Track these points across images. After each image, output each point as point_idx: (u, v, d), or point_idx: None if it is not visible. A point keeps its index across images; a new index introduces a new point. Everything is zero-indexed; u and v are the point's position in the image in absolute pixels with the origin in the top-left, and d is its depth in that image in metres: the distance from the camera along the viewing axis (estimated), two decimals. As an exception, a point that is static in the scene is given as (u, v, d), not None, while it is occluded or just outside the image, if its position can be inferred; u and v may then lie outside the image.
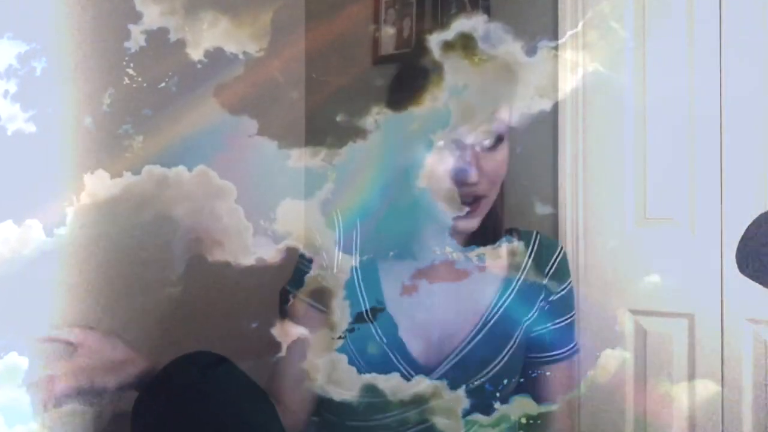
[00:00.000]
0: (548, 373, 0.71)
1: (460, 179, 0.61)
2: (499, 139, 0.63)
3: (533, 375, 0.72)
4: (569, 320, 0.73)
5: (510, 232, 0.73)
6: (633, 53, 1.27)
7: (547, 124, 1.37)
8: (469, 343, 0.68)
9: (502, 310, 0.69)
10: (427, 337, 0.68)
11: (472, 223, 0.64)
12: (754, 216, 0.62)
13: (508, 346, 0.69)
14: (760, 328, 1.17)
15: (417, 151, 0.62)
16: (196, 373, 0.53)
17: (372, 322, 0.67)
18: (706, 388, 1.12)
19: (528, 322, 0.70)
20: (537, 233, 0.74)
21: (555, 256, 0.73)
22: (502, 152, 0.64)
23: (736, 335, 1.18)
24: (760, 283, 0.59)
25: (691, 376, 1.22)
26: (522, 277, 0.71)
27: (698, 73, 1.21)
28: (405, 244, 0.68)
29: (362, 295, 0.68)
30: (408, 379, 0.64)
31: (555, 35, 1.32)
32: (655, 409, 1.22)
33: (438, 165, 0.62)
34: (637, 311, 1.28)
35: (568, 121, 1.35)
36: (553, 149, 1.37)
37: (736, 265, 0.60)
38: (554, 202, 1.36)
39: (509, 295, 0.70)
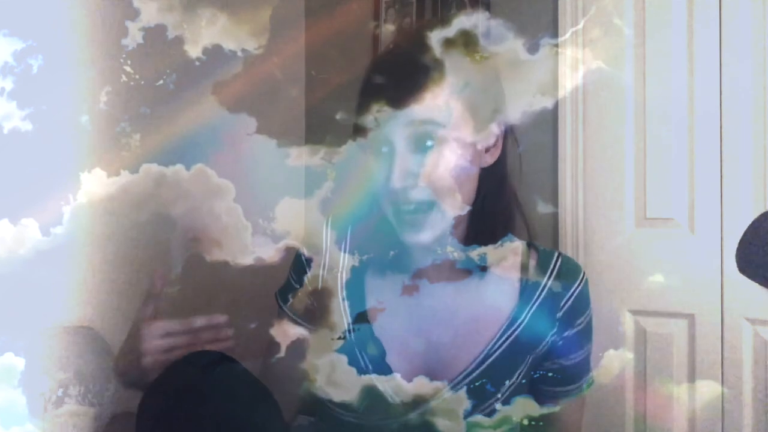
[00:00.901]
0: (558, 405, 0.65)
1: (389, 186, 0.56)
2: (439, 141, 0.56)
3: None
4: (585, 354, 0.66)
5: (529, 246, 0.66)
6: (633, 53, 1.27)
7: (547, 123, 1.36)
8: (466, 377, 0.62)
9: (507, 343, 0.63)
10: (420, 364, 0.63)
11: (421, 237, 0.58)
12: (754, 216, 0.61)
13: (510, 382, 0.63)
14: (760, 328, 1.16)
15: (369, 157, 0.58)
16: (200, 371, 0.52)
17: (350, 340, 0.61)
18: (709, 389, 1.11)
19: (534, 356, 0.65)
20: (558, 255, 0.66)
21: (575, 288, 0.65)
22: (442, 155, 0.56)
23: (736, 335, 1.18)
24: (760, 283, 0.59)
25: (691, 376, 1.22)
26: (533, 308, 0.63)
27: (698, 73, 1.21)
28: (391, 257, 0.63)
29: (345, 313, 0.63)
30: (397, 407, 0.60)
31: (555, 33, 1.31)
32: (656, 409, 1.22)
33: (378, 171, 0.58)
34: (637, 311, 1.27)
35: (568, 121, 1.35)
36: (553, 149, 1.37)
37: (736, 265, 0.60)
38: (554, 202, 1.35)
39: (516, 327, 0.63)
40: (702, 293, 1.20)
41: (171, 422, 0.51)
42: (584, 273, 0.67)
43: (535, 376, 0.67)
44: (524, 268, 0.65)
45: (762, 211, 0.64)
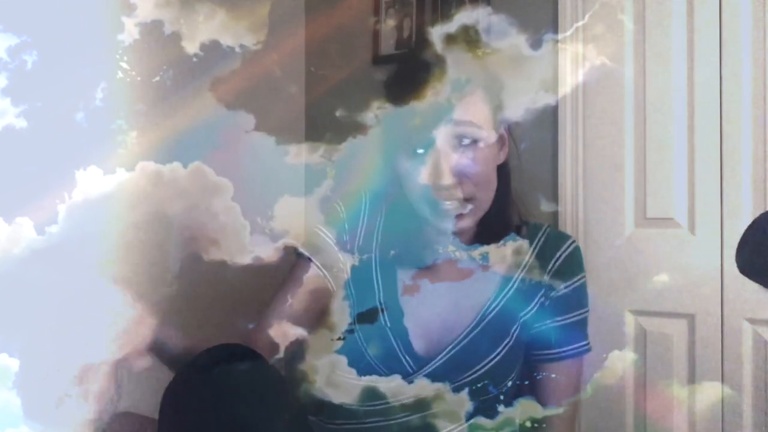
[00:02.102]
0: (552, 373, 0.68)
1: (436, 183, 0.61)
2: (473, 140, 0.62)
3: (538, 375, 0.69)
4: (576, 317, 0.69)
5: (519, 227, 0.70)
6: (633, 51, 1.27)
7: (547, 122, 1.36)
8: (465, 337, 0.67)
9: (500, 305, 0.68)
10: (429, 330, 0.68)
11: (463, 224, 0.64)
12: (754, 216, 0.61)
13: (504, 342, 0.67)
14: (760, 328, 1.16)
15: (400, 158, 0.63)
16: (226, 363, 0.52)
17: (383, 312, 0.67)
18: (713, 391, 1.11)
19: (525, 318, 0.68)
20: (547, 227, 0.71)
21: (561, 251, 0.69)
22: (480, 153, 0.62)
23: (736, 335, 1.18)
24: (760, 284, 0.59)
25: (691, 376, 1.22)
26: (522, 272, 0.68)
27: (698, 72, 1.21)
28: (408, 246, 0.67)
29: (378, 290, 0.68)
30: (407, 370, 0.64)
31: (555, 30, 1.31)
32: (656, 409, 1.22)
33: (415, 171, 0.62)
34: (637, 311, 1.27)
35: (568, 121, 1.35)
36: (552, 149, 1.36)
37: (736, 265, 0.59)
38: (554, 202, 1.35)
39: (508, 290, 0.68)
40: (702, 293, 1.20)
41: (192, 415, 0.51)
42: (574, 240, 0.71)
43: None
44: (515, 244, 0.68)
45: (762, 211, 0.64)
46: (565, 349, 0.69)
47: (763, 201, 1.15)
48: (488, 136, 0.62)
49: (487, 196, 0.64)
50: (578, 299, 0.70)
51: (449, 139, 0.62)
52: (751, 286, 0.61)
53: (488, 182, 0.64)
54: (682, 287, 1.22)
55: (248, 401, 0.50)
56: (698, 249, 1.21)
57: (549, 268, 0.69)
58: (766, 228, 0.58)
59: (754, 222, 0.58)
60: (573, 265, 0.69)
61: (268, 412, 0.51)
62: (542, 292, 0.68)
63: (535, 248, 0.69)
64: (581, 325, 0.70)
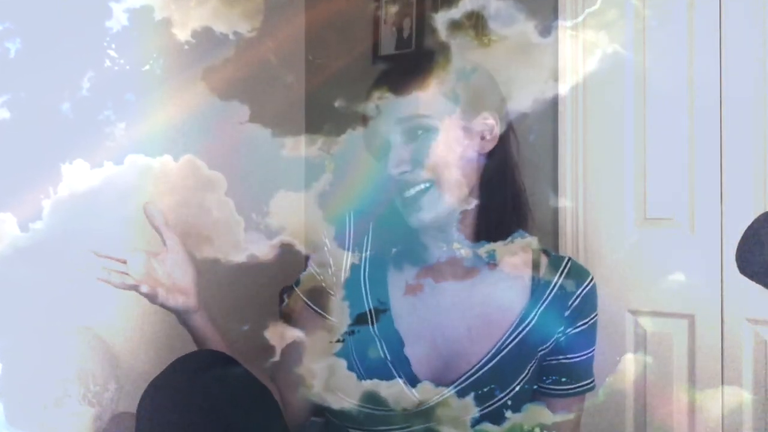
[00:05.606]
0: (554, 405, 0.66)
1: (391, 172, 0.61)
2: (428, 129, 0.61)
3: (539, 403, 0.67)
4: (584, 357, 0.68)
5: (541, 252, 0.69)
6: (633, 49, 1.26)
7: (547, 121, 1.35)
8: (482, 368, 0.64)
9: (519, 338, 0.65)
10: (435, 356, 0.65)
11: (423, 216, 0.62)
12: (754, 216, 0.60)
13: (522, 376, 0.65)
14: (760, 328, 1.16)
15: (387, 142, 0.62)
16: (202, 370, 0.52)
17: (373, 326, 0.63)
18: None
19: (542, 353, 0.67)
20: (569, 259, 0.70)
21: (582, 289, 0.68)
22: (433, 140, 0.61)
23: (736, 335, 1.18)
24: (760, 283, 0.58)
25: (691, 376, 1.21)
26: (543, 306, 0.66)
27: (698, 72, 1.20)
28: (406, 245, 0.65)
29: (367, 298, 0.65)
30: (399, 415, 0.61)
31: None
32: (655, 409, 1.21)
33: (378, 166, 0.62)
34: (637, 311, 1.26)
35: (568, 121, 1.34)
36: (552, 149, 1.35)
37: (736, 265, 0.58)
38: (554, 202, 1.34)
39: (527, 323, 0.66)
40: (702, 293, 1.20)
41: (169, 421, 0.50)
42: (593, 278, 0.70)
43: (542, 363, 0.68)
44: (536, 266, 0.68)
45: (762, 211, 0.64)
46: (573, 386, 0.68)
47: (763, 201, 1.15)
48: (441, 124, 0.61)
49: (453, 178, 0.61)
50: (589, 338, 0.69)
51: (401, 134, 0.61)
52: (751, 286, 0.61)
53: (449, 165, 0.61)
54: (682, 287, 1.21)
55: (224, 406, 0.50)
56: (698, 249, 1.21)
57: (570, 303, 0.67)
58: (766, 228, 0.57)
59: (754, 222, 0.58)
60: (590, 304, 0.69)
61: (244, 414, 0.50)
62: (561, 328, 0.67)
63: (558, 280, 0.68)
64: (587, 363, 0.69)
